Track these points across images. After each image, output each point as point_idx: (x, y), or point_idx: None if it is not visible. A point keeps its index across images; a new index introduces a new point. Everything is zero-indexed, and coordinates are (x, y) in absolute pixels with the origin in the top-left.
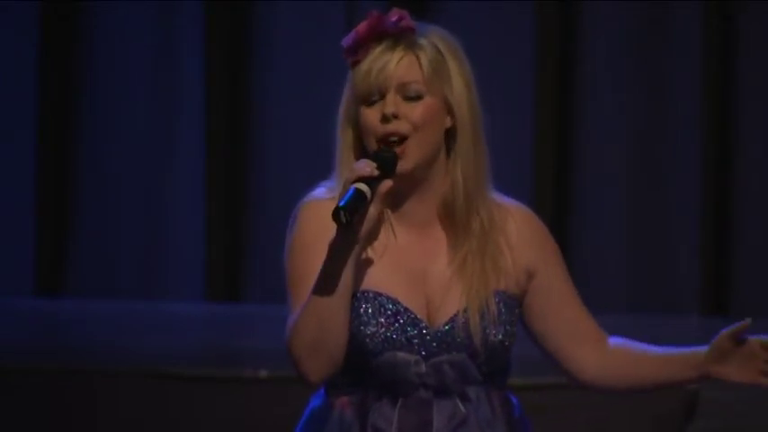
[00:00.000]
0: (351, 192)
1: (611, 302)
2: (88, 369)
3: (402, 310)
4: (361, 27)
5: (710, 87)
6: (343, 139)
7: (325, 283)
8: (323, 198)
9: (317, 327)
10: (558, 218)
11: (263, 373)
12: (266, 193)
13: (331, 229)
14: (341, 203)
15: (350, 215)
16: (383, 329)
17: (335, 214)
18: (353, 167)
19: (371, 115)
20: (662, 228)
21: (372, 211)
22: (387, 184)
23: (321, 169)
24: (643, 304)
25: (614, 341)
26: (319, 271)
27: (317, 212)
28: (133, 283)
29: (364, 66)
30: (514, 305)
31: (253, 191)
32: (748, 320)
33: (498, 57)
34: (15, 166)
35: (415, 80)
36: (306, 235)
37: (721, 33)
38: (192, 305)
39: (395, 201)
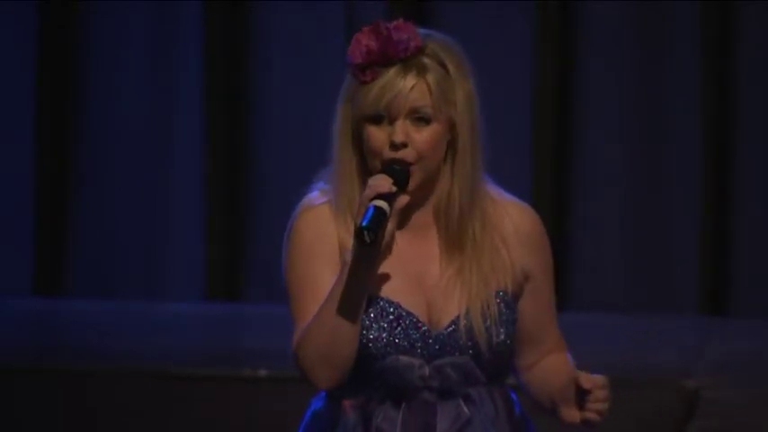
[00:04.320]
0: (371, 210)
1: (611, 302)
2: (87, 369)
3: (404, 314)
4: (371, 43)
5: (710, 88)
6: (342, 146)
7: (344, 300)
8: (319, 203)
9: (330, 339)
10: (558, 218)
11: (263, 373)
12: (266, 192)
13: (330, 236)
14: (364, 223)
15: (374, 234)
16: (385, 334)
17: (359, 234)
18: (371, 184)
19: (378, 137)
20: (661, 228)
21: (390, 226)
22: (404, 199)
23: (321, 169)
24: (643, 304)
25: (557, 357)
26: (335, 285)
27: (315, 218)
28: (133, 283)
29: (374, 89)
30: (514, 303)
31: (252, 190)
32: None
33: (497, 56)
34: (14, 164)
35: (425, 105)
36: (306, 242)
37: (721, 33)
38: (192, 305)
39: None
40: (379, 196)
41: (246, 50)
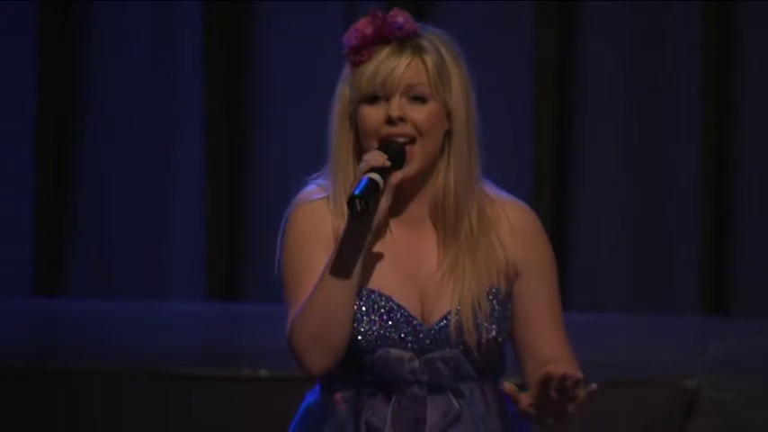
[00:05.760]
0: (365, 181)
1: (611, 302)
2: (88, 369)
3: (395, 307)
4: (366, 27)
5: (710, 87)
6: (340, 137)
7: (334, 275)
8: (315, 198)
9: (321, 319)
10: (558, 217)
11: (263, 373)
12: (265, 191)
13: (325, 228)
14: (356, 192)
15: (365, 203)
16: (376, 327)
17: (350, 203)
18: (365, 158)
19: (374, 115)
20: (662, 228)
21: (383, 202)
22: (397, 176)
23: (320, 168)
24: (643, 304)
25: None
26: (327, 263)
27: (311, 211)
28: (133, 282)
29: (370, 68)
30: (507, 301)
31: (252, 189)
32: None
33: (497, 56)
34: (14, 164)
35: (421, 82)
36: (301, 231)
37: (721, 33)
38: (191, 305)
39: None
40: (373, 170)
41: (246, 50)
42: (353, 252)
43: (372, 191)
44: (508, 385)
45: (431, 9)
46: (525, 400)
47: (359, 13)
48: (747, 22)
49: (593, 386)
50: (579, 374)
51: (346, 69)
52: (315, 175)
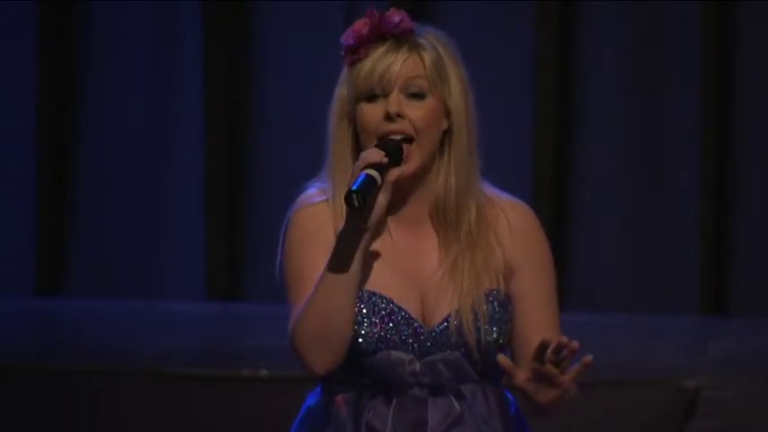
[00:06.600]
0: (362, 176)
1: (611, 302)
2: (88, 369)
3: (396, 309)
4: (363, 27)
5: (710, 87)
6: (338, 137)
7: (333, 272)
8: (316, 200)
9: (322, 317)
10: (558, 218)
11: (264, 373)
12: (265, 191)
13: (327, 231)
14: (353, 187)
15: (362, 199)
16: (377, 329)
17: (348, 198)
18: (362, 155)
19: (373, 112)
20: (662, 228)
21: (381, 199)
22: (395, 172)
23: (321, 168)
24: (643, 304)
25: None
26: (327, 261)
27: (313, 214)
28: (133, 282)
29: (367, 65)
30: (507, 303)
31: (252, 189)
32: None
33: (497, 56)
34: (16, 165)
35: (419, 76)
36: (304, 235)
37: (721, 33)
38: (191, 305)
39: (389, 200)
40: (370, 166)
41: (246, 50)
42: (352, 248)
43: (369, 186)
44: (503, 358)
45: (431, 9)
46: (521, 375)
47: (359, 13)
48: (747, 22)
49: (589, 357)
50: (575, 343)
51: (344, 71)
52: (313, 180)
